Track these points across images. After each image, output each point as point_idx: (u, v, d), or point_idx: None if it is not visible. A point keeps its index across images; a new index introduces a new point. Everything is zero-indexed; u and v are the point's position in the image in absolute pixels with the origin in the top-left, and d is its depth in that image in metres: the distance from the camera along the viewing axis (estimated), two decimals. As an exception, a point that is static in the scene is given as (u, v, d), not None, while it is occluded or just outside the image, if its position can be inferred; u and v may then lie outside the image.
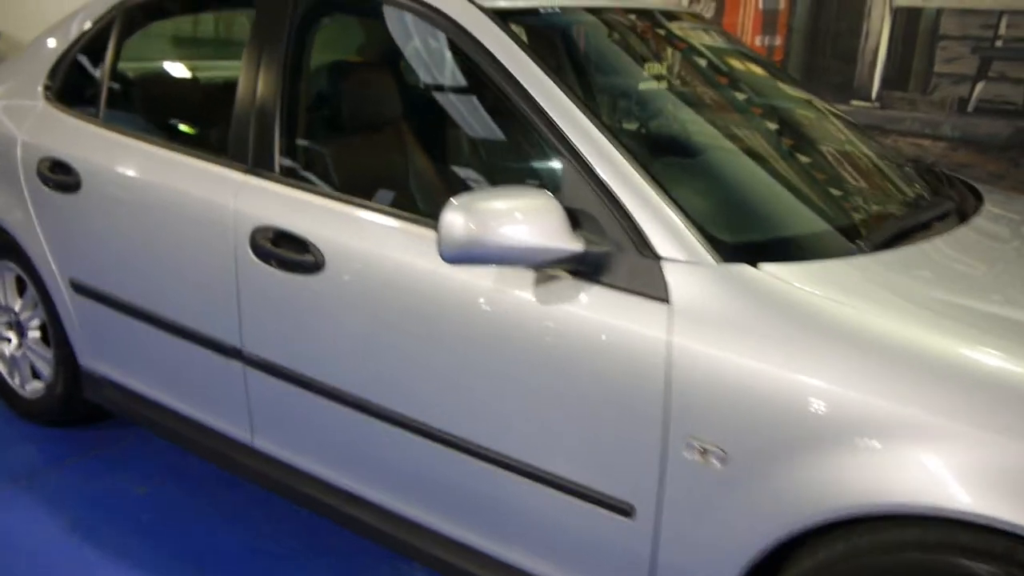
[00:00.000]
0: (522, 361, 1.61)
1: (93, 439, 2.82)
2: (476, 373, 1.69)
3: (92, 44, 2.54)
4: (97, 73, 2.51)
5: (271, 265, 1.95)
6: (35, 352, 2.79)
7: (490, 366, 1.66)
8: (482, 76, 1.79)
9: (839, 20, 4.09)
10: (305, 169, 2.05)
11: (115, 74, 2.46)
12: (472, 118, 2.17)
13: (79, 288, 2.47)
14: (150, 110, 2.49)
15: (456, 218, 1.45)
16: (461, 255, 1.47)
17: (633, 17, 2.12)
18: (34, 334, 2.79)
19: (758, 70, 2.31)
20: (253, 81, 2.08)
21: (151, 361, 2.37)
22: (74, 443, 2.79)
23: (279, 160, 2.02)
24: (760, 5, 4.25)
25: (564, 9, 2.01)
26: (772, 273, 1.46)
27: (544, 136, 1.65)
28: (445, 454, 1.78)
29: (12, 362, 2.88)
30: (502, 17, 1.82)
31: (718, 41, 2.33)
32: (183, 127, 2.42)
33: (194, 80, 2.77)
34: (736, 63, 2.32)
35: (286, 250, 1.92)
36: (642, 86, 1.96)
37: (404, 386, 1.81)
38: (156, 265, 2.22)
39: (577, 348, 1.53)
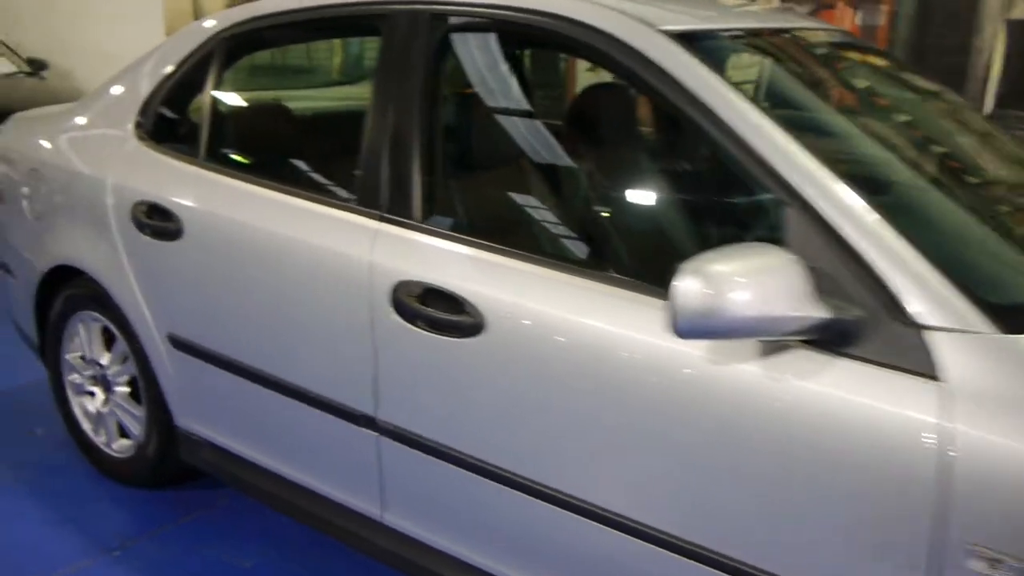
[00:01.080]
0: (738, 445, 1.38)
1: (186, 501, 2.61)
2: (675, 457, 1.46)
3: (188, 78, 2.35)
4: (195, 109, 2.32)
5: (418, 326, 1.73)
6: (124, 409, 2.59)
7: (692, 448, 1.43)
8: (670, 110, 1.57)
9: (946, 35, 3.85)
10: (451, 215, 1.84)
11: (216, 110, 2.26)
12: (655, 158, 1.94)
13: (179, 344, 2.27)
14: (257, 149, 2.29)
15: (692, 285, 1.22)
16: (697, 328, 1.24)
17: (816, 39, 1.90)
18: (122, 389, 2.59)
19: (947, 101, 2.08)
20: (384, 116, 1.87)
21: (261, 425, 2.16)
22: (167, 506, 2.58)
23: (419, 205, 1.81)
24: (858, 21, 4.02)
25: (748, 31, 1.79)
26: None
27: (757, 181, 1.43)
28: (632, 545, 1.55)
29: (98, 419, 2.68)
30: (688, 40, 1.60)
31: (901, 71, 2.11)
32: (298, 168, 2.22)
33: (307, 115, 2.58)
34: (925, 94, 2.08)
35: (437, 309, 1.70)
36: (837, 120, 1.72)
37: (581, 466, 1.59)
38: (271, 322, 2.01)
39: (817, 433, 1.30)
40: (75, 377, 2.72)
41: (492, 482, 1.71)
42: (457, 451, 1.75)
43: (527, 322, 1.60)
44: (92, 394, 2.70)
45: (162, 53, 2.43)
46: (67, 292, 2.60)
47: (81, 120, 2.59)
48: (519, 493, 1.68)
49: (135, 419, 2.56)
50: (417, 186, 1.82)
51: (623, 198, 1.95)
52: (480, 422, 1.71)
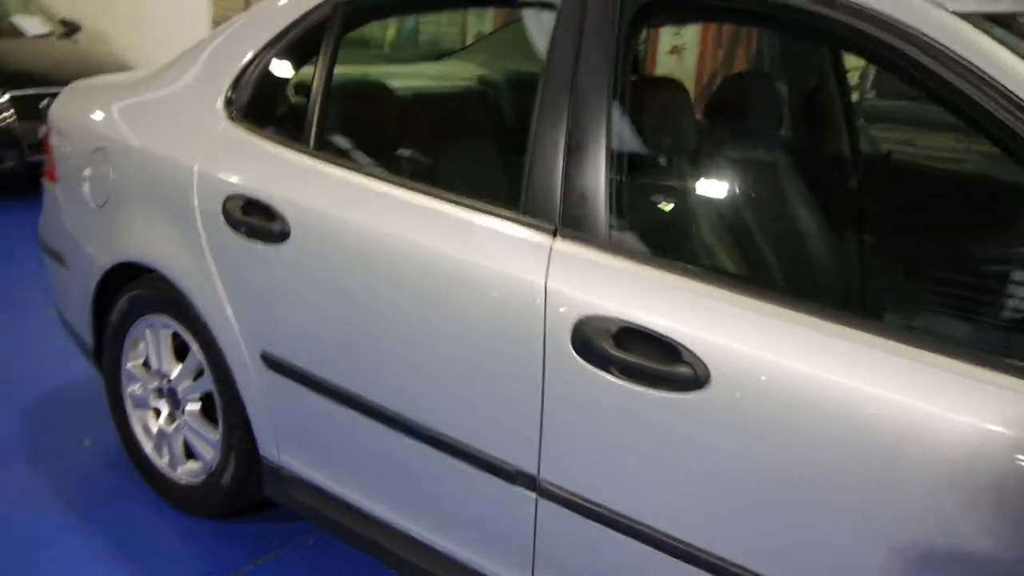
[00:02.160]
0: None
1: (263, 536, 2.27)
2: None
3: (295, 49, 1.98)
4: (303, 87, 1.96)
5: (611, 373, 1.38)
6: (194, 430, 2.25)
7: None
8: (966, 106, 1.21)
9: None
10: (652, 233, 1.48)
11: (331, 89, 1.89)
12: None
13: (274, 364, 1.92)
14: (384, 139, 1.93)
15: None
16: None
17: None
18: (193, 407, 2.24)
19: None
20: (559, 106, 1.51)
21: (375, 470, 1.81)
22: (242, 542, 2.24)
23: (608, 219, 1.45)
24: None
25: None
26: None
27: None
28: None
29: (161, 437, 2.34)
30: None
31: None
32: (438, 164, 1.85)
33: (448, 99, 2.19)
34: None
35: (638, 355, 1.35)
36: None
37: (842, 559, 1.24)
38: (401, 351, 1.66)
39: None
40: (136, 389, 2.38)
41: (695, 568, 1.37)
42: (651, 528, 1.41)
43: (763, 378, 1.26)
44: (156, 410, 2.36)
45: (260, 17, 2.06)
46: (133, 293, 2.25)
47: (158, 94, 2.23)
48: None
49: (207, 442, 2.22)
50: (605, 197, 1.46)
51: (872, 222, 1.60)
52: (688, 495, 1.36)
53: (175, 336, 2.24)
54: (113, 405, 2.46)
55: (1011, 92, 1.16)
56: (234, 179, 1.92)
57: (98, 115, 2.34)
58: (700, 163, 1.65)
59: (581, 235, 1.47)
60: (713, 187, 1.64)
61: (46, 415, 2.83)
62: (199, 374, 2.19)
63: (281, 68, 2.00)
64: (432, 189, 1.67)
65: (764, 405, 1.26)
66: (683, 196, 1.57)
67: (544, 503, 1.53)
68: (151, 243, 2.11)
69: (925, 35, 1.23)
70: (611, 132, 1.47)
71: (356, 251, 1.71)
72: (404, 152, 1.89)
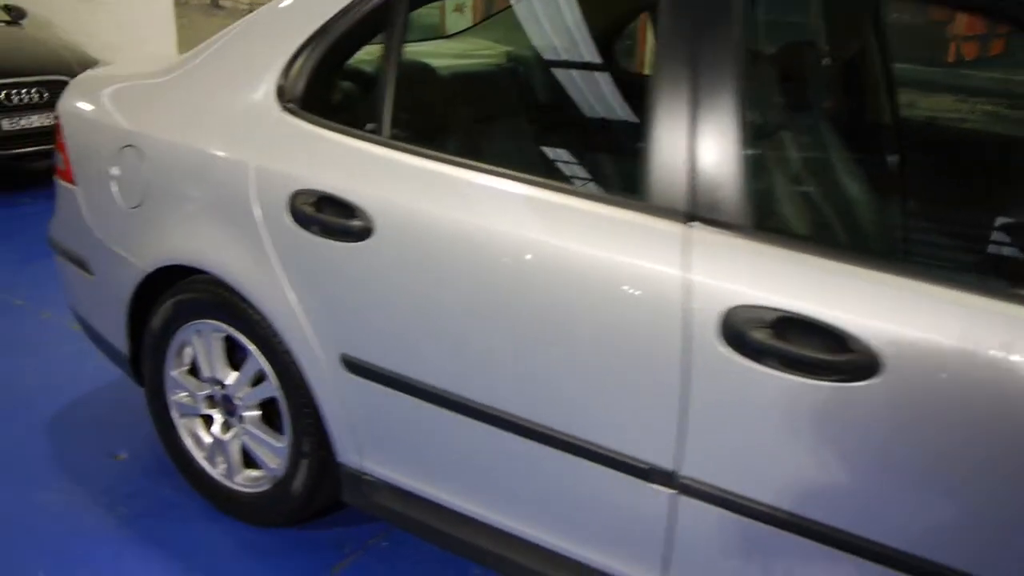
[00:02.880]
0: None
1: (334, 542, 2.19)
2: None
3: (354, 33, 1.85)
4: (368, 71, 1.83)
5: (767, 364, 1.33)
6: (255, 437, 2.14)
7: None
8: None
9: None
10: (788, 216, 1.42)
11: (406, 72, 1.77)
12: None
13: (358, 367, 1.82)
14: (466, 123, 1.81)
15: None
16: None
17: None
18: (252, 414, 2.13)
19: None
20: (679, 88, 1.44)
21: (480, 471, 1.74)
22: (313, 549, 2.16)
23: (746, 203, 1.39)
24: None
25: None
26: None
27: None
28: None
29: (215, 446, 2.23)
30: None
31: None
32: (537, 150, 1.75)
33: (541, 78, 2.07)
34: None
35: (801, 345, 1.30)
36: None
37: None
38: (516, 350, 1.58)
39: None
40: (183, 397, 2.25)
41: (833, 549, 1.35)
42: (806, 519, 1.37)
43: (936, 361, 1.22)
44: (207, 418, 2.24)
45: (308, 1, 1.92)
46: (180, 297, 2.11)
47: (194, 86, 2.07)
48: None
49: (271, 450, 2.12)
50: (739, 177, 1.40)
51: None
52: (853, 484, 1.32)
53: (227, 340, 2.12)
54: (156, 414, 2.32)
55: None
56: (301, 174, 1.80)
57: (125, 111, 2.18)
58: (816, 137, 1.60)
59: (718, 222, 1.40)
60: (830, 163, 1.58)
61: (70, 430, 2.67)
62: (259, 380, 2.08)
63: (339, 54, 1.88)
64: (536, 178, 1.58)
65: (938, 390, 1.22)
66: (811, 173, 1.51)
67: (684, 499, 1.49)
68: (202, 245, 1.98)
69: None
70: (742, 111, 1.40)
71: (458, 246, 1.61)
72: (494, 138, 1.78)
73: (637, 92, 1.61)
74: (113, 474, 2.45)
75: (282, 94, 1.90)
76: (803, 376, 1.30)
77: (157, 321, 2.19)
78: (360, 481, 1.95)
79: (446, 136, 1.77)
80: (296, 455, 2.05)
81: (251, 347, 2.03)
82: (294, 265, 1.84)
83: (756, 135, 1.42)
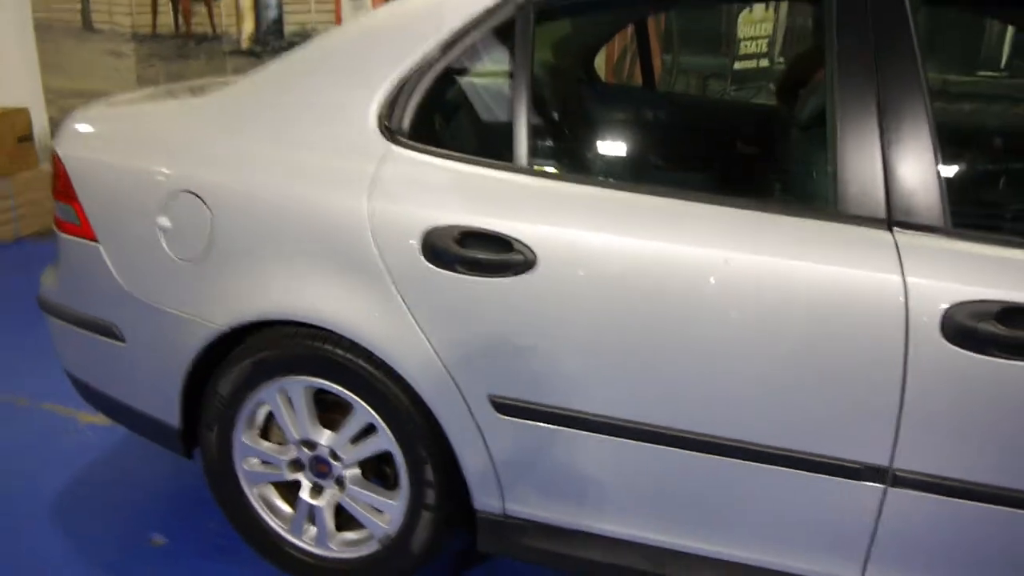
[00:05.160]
0: None
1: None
2: None
3: (469, 59, 1.77)
4: (490, 99, 1.76)
5: (992, 354, 1.43)
6: (358, 498, 1.99)
7: None
8: None
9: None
10: (983, 213, 1.53)
11: (537, 99, 1.72)
12: None
13: (509, 407, 1.74)
14: (612, 145, 1.78)
15: None
16: None
17: None
18: (354, 472, 1.98)
19: None
20: (866, 97, 1.51)
21: (659, 496, 1.72)
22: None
23: (944, 204, 1.48)
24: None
25: None
26: None
27: None
28: None
29: (304, 514, 2.04)
30: None
31: None
32: (695, 169, 1.75)
33: (674, 100, 2.04)
34: None
35: (1020, 329, 1.41)
36: None
37: None
38: (704, 366, 1.58)
39: None
40: (256, 464, 2.05)
41: None
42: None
43: None
44: (293, 484, 2.05)
45: (407, 24, 1.81)
46: (261, 355, 1.92)
47: (263, 119, 1.89)
48: None
49: (379, 508, 1.98)
50: (936, 180, 1.49)
51: None
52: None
53: (316, 397, 1.95)
54: (220, 488, 2.09)
55: None
56: (432, 212, 1.70)
57: (170, 153, 1.95)
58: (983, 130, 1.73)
59: (922, 225, 1.49)
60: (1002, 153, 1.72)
61: (90, 518, 2.35)
62: (363, 435, 1.93)
63: (451, 79, 1.79)
64: (711, 197, 1.60)
65: None
66: (989, 167, 1.64)
67: (896, 492, 1.55)
68: (305, 295, 1.81)
69: None
70: (931, 113, 1.49)
71: (634, 271, 1.59)
72: (647, 158, 1.77)
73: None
74: (160, 562, 2.18)
75: (387, 126, 1.78)
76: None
77: (227, 384, 1.97)
78: (503, 526, 1.87)
79: (595, 161, 1.74)
80: (414, 509, 1.93)
81: (358, 401, 1.89)
82: (431, 307, 1.73)
83: (948, 141, 1.52)
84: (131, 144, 2.02)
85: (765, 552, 1.70)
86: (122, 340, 2.08)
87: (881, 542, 1.61)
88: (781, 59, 4.82)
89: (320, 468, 2.00)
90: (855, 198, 1.52)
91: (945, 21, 4.41)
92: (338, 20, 4.83)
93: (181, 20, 5.06)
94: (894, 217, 1.50)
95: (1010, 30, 4.14)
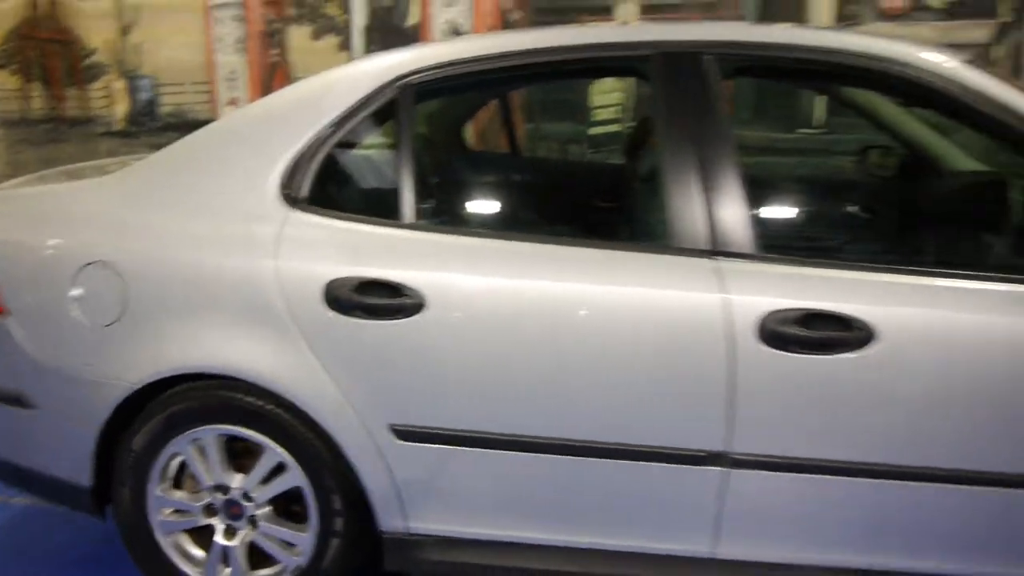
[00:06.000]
0: None
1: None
2: None
3: (358, 134, 2.05)
4: (378, 166, 2.03)
5: (792, 351, 1.78)
6: (269, 534, 2.14)
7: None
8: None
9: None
10: (784, 241, 1.90)
11: (420, 165, 2.00)
12: None
13: (409, 434, 1.97)
14: (489, 202, 2.07)
15: None
16: None
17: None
18: (265, 511, 2.14)
19: None
20: (686, 156, 1.88)
21: (546, 498, 1.98)
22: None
23: (754, 237, 1.85)
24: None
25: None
26: None
27: None
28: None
29: (218, 557, 2.17)
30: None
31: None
32: (555, 217, 2.07)
33: (550, 160, 2.34)
34: None
35: (816, 330, 1.78)
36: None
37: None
38: (579, 382, 1.88)
39: None
40: (170, 514, 2.18)
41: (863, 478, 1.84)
42: (829, 461, 1.84)
43: (927, 347, 1.75)
44: (203, 529, 2.18)
45: (304, 104, 2.07)
46: (174, 408, 2.08)
47: (170, 190, 2.09)
48: (883, 481, 1.82)
49: (289, 542, 2.14)
50: (746, 219, 1.86)
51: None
52: (858, 428, 1.82)
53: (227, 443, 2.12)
54: (133, 542, 2.20)
55: None
56: (331, 266, 1.94)
57: (79, 227, 2.11)
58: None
59: (737, 252, 1.85)
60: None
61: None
62: (273, 475, 2.11)
63: (345, 152, 2.05)
64: (570, 240, 1.92)
65: (929, 349, 1.75)
66: (790, 205, 2.04)
67: (735, 473, 1.87)
68: (218, 349, 2.00)
69: None
70: (740, 165, 1.87)
71: (504, 305, 1.88)
72: (516, 212, 2.08)
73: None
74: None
75: (288, 194, 2.02)
76: (818, 354, 1.78)
77: (141, 439, 2.11)
78: (407, 543, 2.08)
79: (471, 216, 2.03)
80: (323, 538, 2.11)
81: (269, 443, 2.07)
82: (335, 351, 1.96)
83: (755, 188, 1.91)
84: (41, 222, 2.17)
85: (634, 538, 1.98)
86: (33, 407, 2.19)
87: (730, 517, 1.92)
88: (632, 124, 5.31)
89: (233, 510, 2.16)
90: (685, 234, 1.87)
91: (770, 89, 5.05)
92: (213, 102, 5.02)
93: (54, 103, 5.11)
94: (716, 248, 1.86)
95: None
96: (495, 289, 1.89)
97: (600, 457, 1.92)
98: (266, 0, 4.86)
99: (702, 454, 1.88)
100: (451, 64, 2.03)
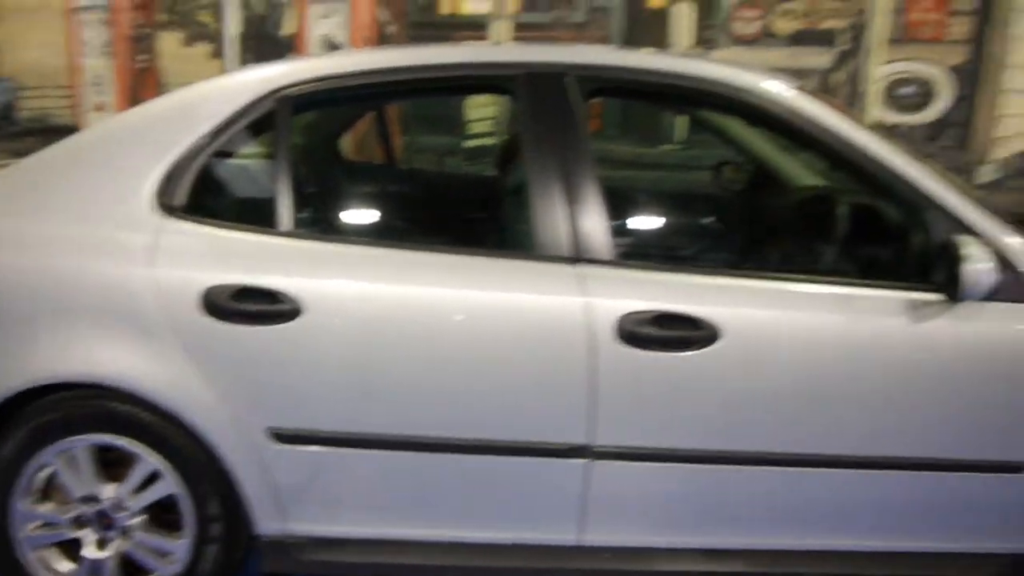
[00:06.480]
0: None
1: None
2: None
3: (235, 144, 2.07)
4: (255, 175, 2.06)
5: (650, 349, 1.94)
6: (143, 544, 2.13)
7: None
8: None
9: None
10: (635, 249, 2.06)
11: (297, 175, 2.05)
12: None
13: (287, 436, 2.01)
14: (364, 211, 2.13)
15: (985, 267, 1.77)
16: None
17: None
18: (137, 520, 2.13)
19: None
20: (550, 172, 2.01)
21: (418, 495, 2.06)
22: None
23: (612, 245, 2.00)
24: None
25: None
26: None
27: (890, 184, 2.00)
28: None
29: (89, 570, 2.14)
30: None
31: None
32: (429, 226, 2.15)
33: (412, 171, 2.38)
34: None
35: (668, 329, 1.94)
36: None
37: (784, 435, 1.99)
38: (452, 384, 1.98)
39: None
40: (36, 529, 2.13)
41: (710, 465, 2.02)
42: (682, 450, 2.01)
43: (764, 343, 1.95)
44: (72, 542, 2.14)
45: (181, 113, 2.08)
46: (40, 420, 2.04)
47: (43, 197, 2.05)
48: (743, 467, 2.01)
49: (164, 551, 2.13)
50: (607, 229, 2.01)
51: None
52: (707, 418, 1.99)
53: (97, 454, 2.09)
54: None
55: None
56: (208, 274, 1.97)
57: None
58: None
59: (597, 259, 1.99)
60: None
61: None
62: (146, 484, 2.10)
63: (222, 161, 2.08)
64: (442, 248, 2.01)
65: (770, 345, 1.94)
66: (647, 216, 2.20)
67: (599, 464, 2.01)
68: (91, 357, 1.99)
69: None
70: (599, 178, 2.02)
71: (378, 310, 1.96)
72: (391, 221, 2.15)
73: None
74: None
75: (164, 202, 2.03)
76: (669, 351, 1.94)
77: (6, 451, 2.06)
78: (284, 545, 2.11)
79: (347, 225, 2.10)
80: (199, 544, 2.12)
81: (142, 451, 2.07)
82: (213, 357, 1.98)
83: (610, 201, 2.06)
84: None
85: (507, 530, 2.09)
86: None
87: (594, 506, 2.06)
88: (505, 137, 5.48)
89: (105, 521, 2.13)
90: (549, 243, 2.00)
91: (637, 108, 5.34)
92: (77, 107, 4.85)
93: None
94: (579, 255, 2.00)
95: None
96: (369, 295, 1.97)
97: (471, 453, 2.02)
98: (135, 4, 4.74)
99: (566, 447, 2.01)
100: (328, 78, 2.10)
